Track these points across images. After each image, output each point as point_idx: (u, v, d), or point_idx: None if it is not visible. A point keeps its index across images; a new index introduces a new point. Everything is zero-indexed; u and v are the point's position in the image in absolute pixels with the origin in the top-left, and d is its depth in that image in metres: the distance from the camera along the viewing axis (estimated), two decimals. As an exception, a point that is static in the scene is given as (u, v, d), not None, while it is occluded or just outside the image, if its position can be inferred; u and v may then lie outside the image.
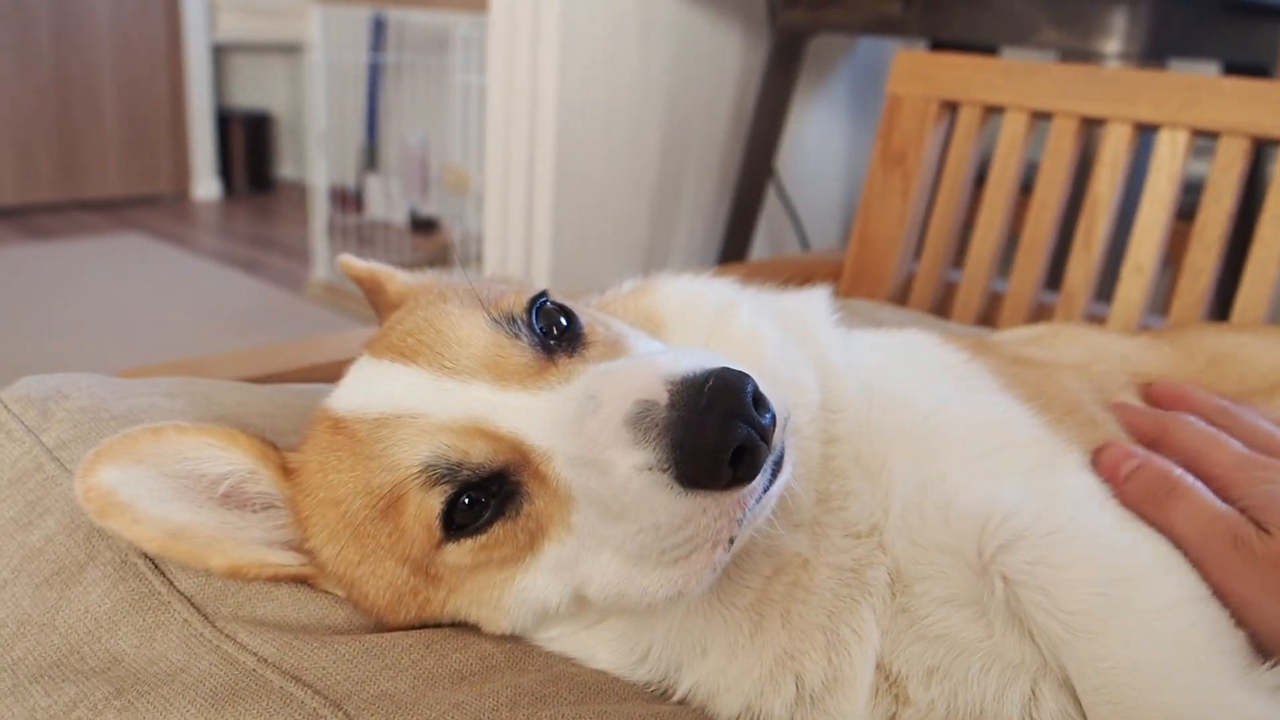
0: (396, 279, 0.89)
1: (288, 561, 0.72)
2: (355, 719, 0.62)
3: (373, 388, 0.70)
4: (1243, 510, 0.68)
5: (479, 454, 0.64)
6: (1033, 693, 0.67)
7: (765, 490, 0.61)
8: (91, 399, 0.81)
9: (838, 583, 0.69)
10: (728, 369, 0.59)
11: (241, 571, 0.71)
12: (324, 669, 0.65)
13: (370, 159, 5.31)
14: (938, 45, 2.75)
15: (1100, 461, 0.75)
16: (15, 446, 0.78)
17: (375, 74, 5.27)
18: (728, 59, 2.75)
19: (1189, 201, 1.40)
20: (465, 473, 0.64)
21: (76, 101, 5.73)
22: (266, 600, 0.71)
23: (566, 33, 2.41)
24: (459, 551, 0.66)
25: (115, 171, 5.95)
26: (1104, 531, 0.70)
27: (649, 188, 2.69)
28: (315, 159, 4.37)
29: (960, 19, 2.16)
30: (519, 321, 0.69)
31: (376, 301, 0.93)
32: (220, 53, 6.36)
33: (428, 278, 0.88)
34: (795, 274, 1.75)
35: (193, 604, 0.70)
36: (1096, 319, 1.45)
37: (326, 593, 0.73)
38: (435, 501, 0.64)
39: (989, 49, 2.64)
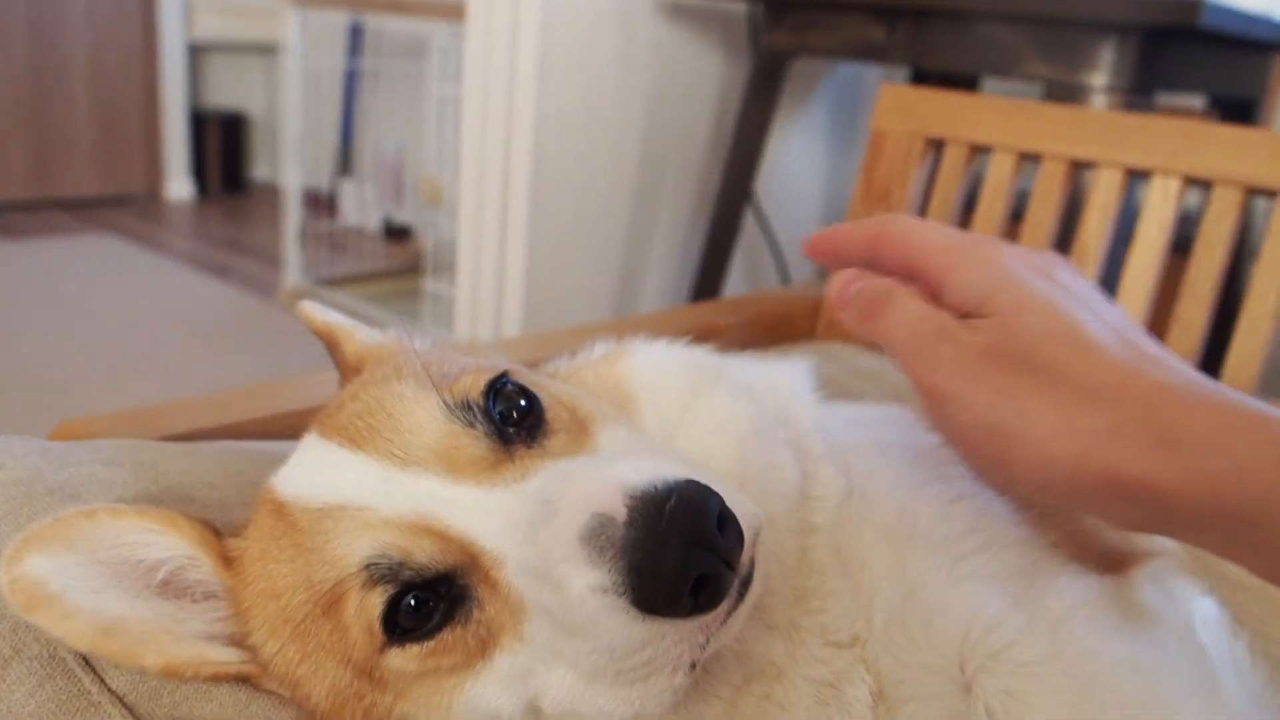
0: (354, 339, 0.84)
1: (228, 659, 0.66)
2: None
3: (318, 474, 0.65)
4: (953, 307, 0.64)
5: (424, 554, 0.59)
6: None
7: (731, 612, 0.57)
8: (26, 470, 0.76)
9: (814, 700, 0.64)
10: (691, 485, 0.54)
11: (178, 671, 0.65)
12: (264, 785, 0.61)
13: (344, 164, 5.25)
14: (919, 73, 2.72)
15: (830, 294, 0.71)
16: (-62, 524, 0.72)
17: (352, 79, 5.21)
18: (708, 77, 2.71)
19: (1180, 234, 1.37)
20: (408, 573, 0.59)
21: (49, 98, 5.62)
22: (205, 700, 0.66)
23: (545, 45, 2.36)
24: (404, 657, 0.61)
25: (87, 170, 5.85)
26: (1084, 661, 0.64)
27: (625, 205, 2.65)
28: (289, 164, 4.30)
29: (945, 48, 2.13)
30: (474, 408, 0.65)
31: (334, 356, 0.88)
32: (196, 52, 6.27)
33: (386, 340, 0.83)
34: (772, 312, 1.71)
35: (125, 704, 0.65)
36: (1082, 367, 1.41)
37: (270, 693, 0.68)
38: (376, 601, 0.60)
39: (970, 79, 2.62)
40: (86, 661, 0.66)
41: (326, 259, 4.50)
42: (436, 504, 0.60)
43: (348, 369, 0.82)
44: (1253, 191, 1.29)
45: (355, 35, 4.95)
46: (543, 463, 0.61)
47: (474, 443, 0.63)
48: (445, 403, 0.65)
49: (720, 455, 0.73)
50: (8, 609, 0.68)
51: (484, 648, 0.60)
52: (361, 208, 4.91)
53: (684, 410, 0.76)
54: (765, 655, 0.65)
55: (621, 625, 0.54)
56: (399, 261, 4.66)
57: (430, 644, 0.60)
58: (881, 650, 0.65)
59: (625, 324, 1.34)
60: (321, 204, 4.94)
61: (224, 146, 6.38)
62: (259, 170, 6.74)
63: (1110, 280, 1.42)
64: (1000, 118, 1.49)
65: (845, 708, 0.64)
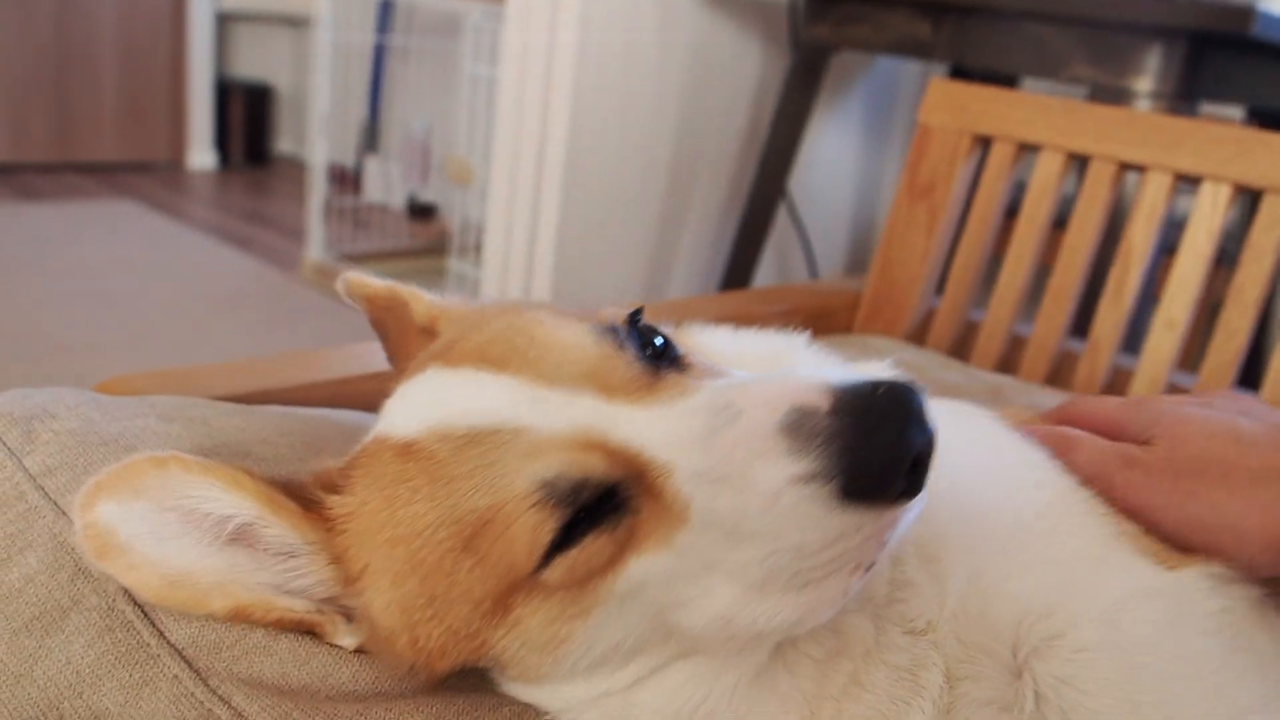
0: (423, 299, 0.82)
1: (299, 607, 0.66)
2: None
3: (453, 400, 0.62)
4: (1129, 440, 0.76)
5: (599, 471, 0.57)
6: None
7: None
8: (80, 420, 0.76)
9: (892, 683, 0.64)
10: (893, 376, 0.56)
11: (247, 615, 0.65)
12: (325, 742, 0.60)
13: (370, 140, 5.24)
14: (957, 70, 2.71)
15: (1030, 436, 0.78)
16: (-3, 471, 0.72)
17: (380, 55, 5.20)
18: (745, 69, 2.70)
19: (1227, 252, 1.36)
20: (586, 494, 0.57)
21: (75, 62, 5.63)
22: (265, 656, 0.65)
23: (584, 30, 2.36)
24: (550, 570, 0.58)
25: (110, 135, 5.86)
26: (1136, 650, 0.64)
27: (658, 193, 2.64)
28: (316, 139, 4.29)
29: (991, 46, 2.12)
30: (621, 333, 0.63)
31: (387, 322, 0.86)
32: (224, 21, 6.27)
33: (459, 302, 0.82)
34: (809, 304, 1.71)
35: (184, 658, 0.64)
36: (1122, 371, 1.41)
37: (331, 647, 0.67)
38: (551, 525, 0.57)
39: (1009, 78, 2.60)
40: (145, 614, 0.66)
41: (349, 235, 4.49)
42: (599, 418, 0.58)
43: (414, 333, 0.81)
44: (1305, 201, 1.28)
45: (385, 11, 4.94)
46: (700, 383, 0.60)
47: (626, 365, 0.61)
48: (593, 326, 0.64)
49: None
50: (66, 559, 0.68)
51: (619, 556, 0.58)
52: (386, 185, 4.90)
53: None
54: (856, 632, 0.65)
55: (818, 517, 0.53)
56: (422, 240, 4.66)
57: (574, 552, 0.57)
58: (948, 632, 0.65)
59: (660, 308, 1.33)
60: (346, 179, 4.93)
61: (248, 118, 6.38)
62: (282, 143, 6.74)
63: (1151, 287, 1.42)
64: (1049, 116, 1.48)
65: (920, 690, 0.64)
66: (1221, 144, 1.33)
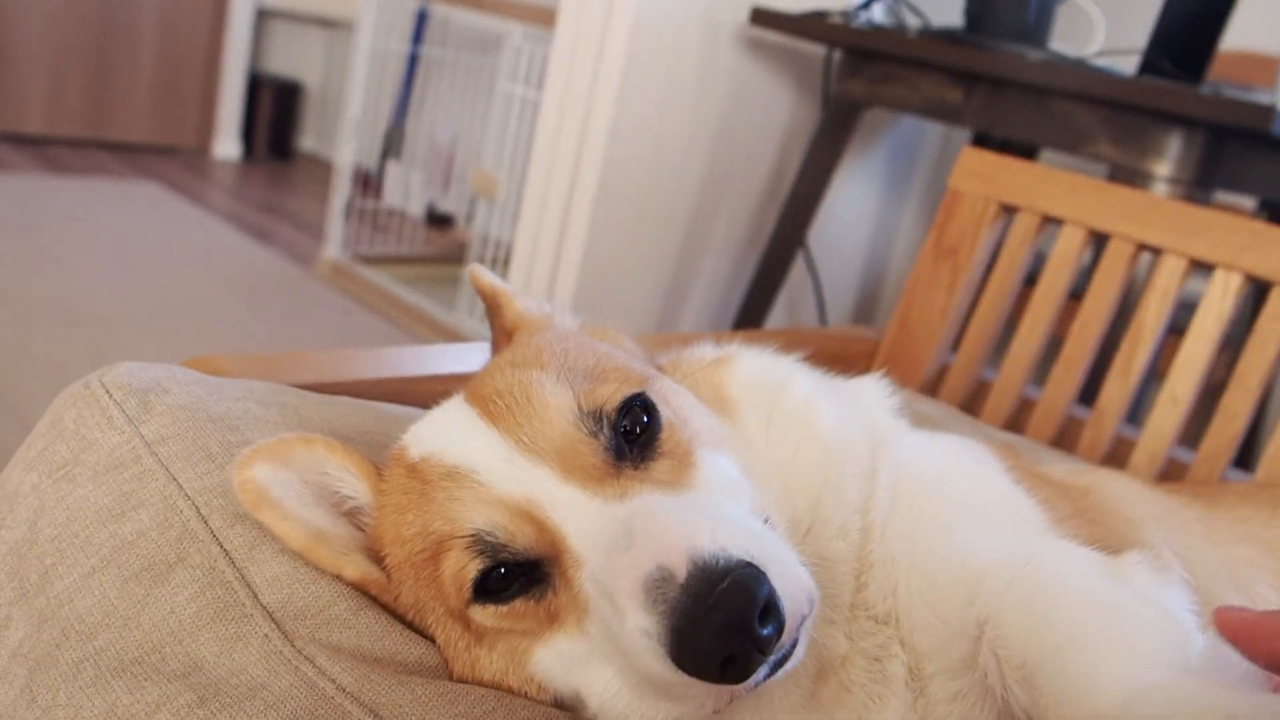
0: (514, 305, 0.92)
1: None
2: (430, 763, 0.63)
3: (453, 437, 0.73)
4: None
5: (523, 540, 0.68)
6: None
7: (767, 676, 0.63)
8: (190, 397, 0.83)
9: (868, 677, 0.73)
10: (747, 571, 0.60)
11: (367, 585, 0.75)
12: (400, 706, 0.67)
13: (394, 146, 5.32)
14: (980, 137, 2.80)
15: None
16: (115, 435, 0.79)
17: (413, 64, 5.29)
18: (778, 116, 2.79)
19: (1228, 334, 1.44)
20: (505, 554, 0.68)
21: (114, 42, 5.71)
22: (344, 628, 0.72)
23: (629, 61, 2.44)
24: (483, 613, 0.70)
25: (142, 117, 5.94)
26: (1050, 587, 0.70)
27: (681, 227, 2.72)
28: (345, 140, 4.37)
29: (1018, 117, 2.20)
30: (604, 419, 0.72)
31: (493, 319, 0.96)
32: (263, 16, 6.36)
33: (543, 311, 0.91)
34: (827, 349, 1.78)
35: (274, 620, 0.71)
36: (1125, 441, 1.48)
37: (403, 628, 0.75)
38: (473, 567, 0.69)
39: (1030, 148, 2.69)
40: (243, 577, 0.73)
41: (367, 236, 4.56)
42: (543, 495, 0.68)
43: (503, 333, 0.89)
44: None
45: (420, 22, 5.03)
46: (642, 488, 0.69)
47: (592, 452, 0.71)
48: (579, 406, 0.72)
49: (801, 455, 0.81)
50: (175, 518, 0.75)
51: (551, 623, 0.69)
52: (405, 192, 4.97)
53: (770, 411, 0.83)
54: (833, 647, 0.73)
55: (658, 667, 0.61)
56: (438, 249, 4.73)
57: (505, 608, 0.69)
58: (908, 624, 0.73)
59: (675, 339, 1.40)
60: (367, 183, 5.01)
61: (275, 112, 6.46)
62: (306, 140, 6.82)
63: (1157, 363, 1.49)
64: (1075, 193, 1.56)
65: (888, 683, 0.72)
66: (1237, 234, 1.41)
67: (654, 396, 0.76)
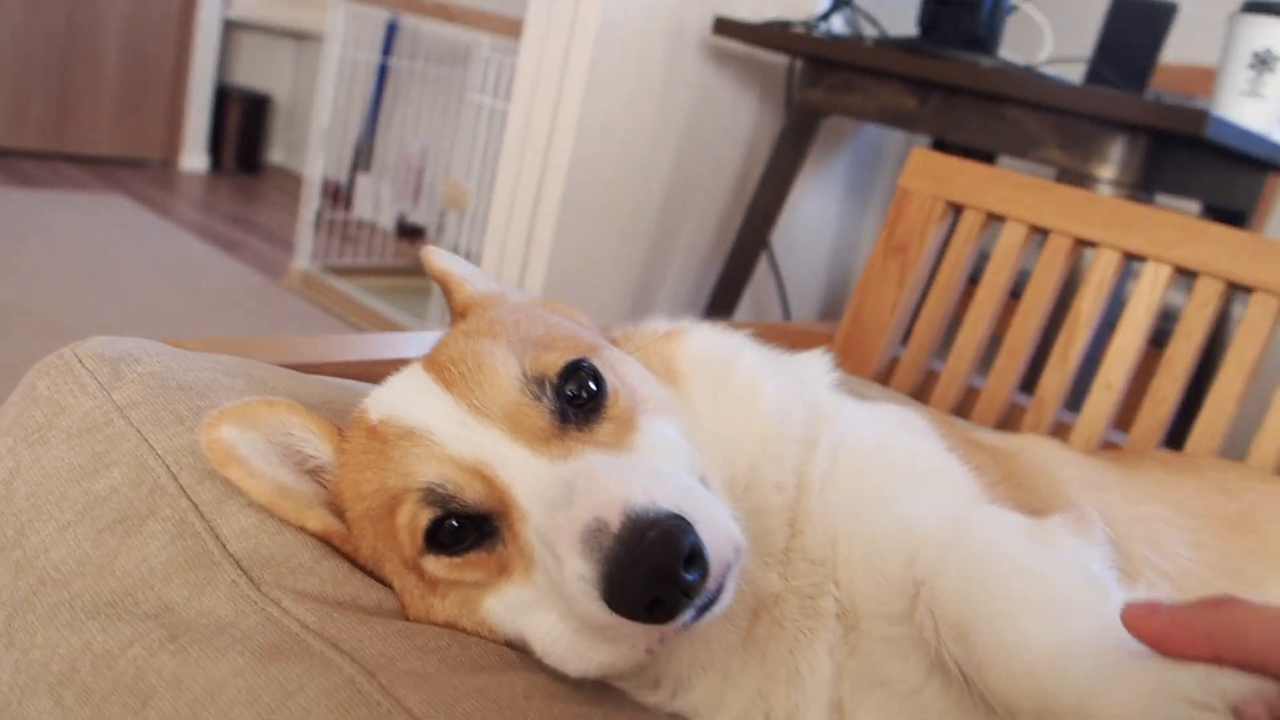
0: (465, 288, 0.96)
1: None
2: (389, 689, 0.67)
3: (410, 401, 0.78)
4: None
5: (472, 494, 0.73)
6: None
7: (694, 618, 0.67)
8: (160, 366, 0.87)
9: (800, 612, 0.78)
10: (675, 521, 0.65)
11: (329, 536, 0.81)
12: (360, 642, 0.71)
13: (364, 158, 5.36)
14: (940, 144, 2.87)
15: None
16: (88, 399, 0.83)
17: (382, 76, 5.33)
18: (741, 123, 2.85)
19: (1160, 329, 1.51)
20: (455, 504, 0.73)
21: (79, 53, 5.72)
22: (308, 575, 0.77)
23: (594, 70, 2.49)
24: (436, 564, 0.75)
25: (107, 130, 5.94)
26: (983, 555, 0.74)
27: (648, 232, 2.78)
28: (314, 152, 4.41)
29: (972, 124, 2.28)
30: (547, 385, 0.77)
31: (448, 301, 1.00)
32: (231, 29, 6.39)
33: (493, 291, 0.95)
34: (783, 342, 1.83)
35: (241, 567, 0.75)
36: (1063, 426, 1.54)
37: (363, 575, 0.79)
38: (425, 517, 0.74)
39: (988, 154, 2.77)
40: (211, 528, 0.77)
41: (337, 248, 4.60)
42: (493, 455, 0.73)
43: (456, 313, 0.94)
44: (1233, 286, 1.43)
45: (389, 33, 5.08)
46: (584, 450, 0.74)
47: (538, 415, 0.76)
48: (524, 372, 0.78)
49: (743, 429, 0.86)
50: (146, 476, 0.79)
51: (501, 573, 0.74)
52: (375, 203, 5.01)
53: (716, 385, 0.89)
54: (767, 587, 0.78)
55: (593, 609, 0.66)
56: (408, 260, 4.77)
57: (459, 559, 0.74)
58: (843, 566, 0.79)
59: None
60: (337, 195, 5.04)
61: (244, 125, 6.48)
62: (275, 153, 6.84)
63: (1095, 349, 1.56)
64: (1017, 192, 1.62)
65: (819, 618, 0.77)
66: (1167, 229, 1.48)
67: (599, 363, 0.81)
